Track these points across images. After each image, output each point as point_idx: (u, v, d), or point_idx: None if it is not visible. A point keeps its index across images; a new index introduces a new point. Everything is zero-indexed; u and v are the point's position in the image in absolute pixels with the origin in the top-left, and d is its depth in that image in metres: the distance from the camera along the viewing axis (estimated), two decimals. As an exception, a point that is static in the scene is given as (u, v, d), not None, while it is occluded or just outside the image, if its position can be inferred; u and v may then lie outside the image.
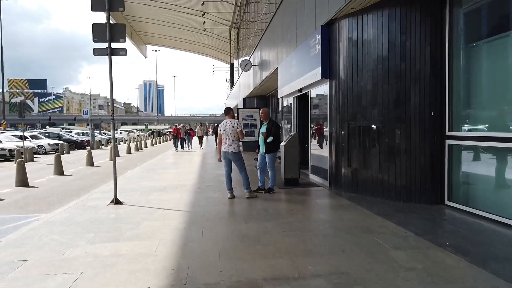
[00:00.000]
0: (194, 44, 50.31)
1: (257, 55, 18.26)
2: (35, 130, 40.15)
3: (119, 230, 4.96)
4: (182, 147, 23.14)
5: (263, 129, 7.55)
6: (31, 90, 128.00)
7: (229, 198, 7.00)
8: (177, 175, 10.65)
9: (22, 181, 9.82)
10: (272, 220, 5.31)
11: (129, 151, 22.69)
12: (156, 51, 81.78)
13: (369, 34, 6.63)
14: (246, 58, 19.60)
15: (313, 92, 9.27)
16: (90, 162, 14.91)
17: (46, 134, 28.60)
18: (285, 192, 7.56)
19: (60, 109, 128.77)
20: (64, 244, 4.39)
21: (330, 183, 7.86)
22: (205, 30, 43.47)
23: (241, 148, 8.06)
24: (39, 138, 25.07)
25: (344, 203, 6.35)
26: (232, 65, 47.02)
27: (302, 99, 10.76)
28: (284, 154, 8.02)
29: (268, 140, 7.34)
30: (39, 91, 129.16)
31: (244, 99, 25.22)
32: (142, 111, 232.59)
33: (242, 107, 23.65)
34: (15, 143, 20.68)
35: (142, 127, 79.28)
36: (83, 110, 30.66)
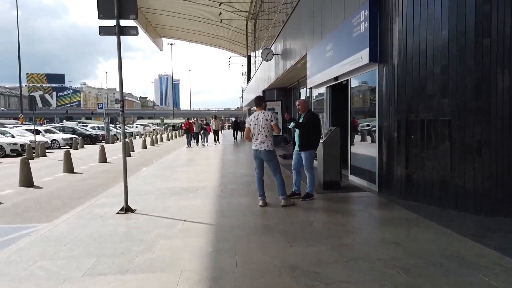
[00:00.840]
0: (210, 37, 49.24)
1: (280, 44, 16.97)
2: (51, 124, 39.81)
3: (128, 253, 3.84)
4: (197, 142, 21.26)
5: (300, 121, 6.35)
6: (49, 85, 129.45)
7: (260, 206, 5.83)
8: (196, 174, 9.54)
9: (26, 180, 8.88)
10: (324, 241, 4.10)
11: (144, 146, 21.79)
12: (171, 44, 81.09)
13: (437, 4, 5.30)
14: (267, 47, 18.33)
15: (354, 81, 7.97)
16: (103, 159, 13.97)
17: (61, 128, 28.02)
18: (327, 199, 6.34)
19: (78, 103, 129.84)
20: (53, 277, 3.30)
21: (379, 187, 6.59)
22: (221, 22, 42.22)
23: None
24: (53, 132, 24.43)
25: (408, 216, 5.08)
26: (248, 57, 45.77)
27: (337, 89, 9.47)
28: (323, 152, 6.78)
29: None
30: (57, 85, 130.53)
31: (264, 92, 23.95)
32: (158, 105, 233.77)
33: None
34: (28, 138, 20.00)
35: (158, 121, 78.98)
36: (98, 104, 30.00)
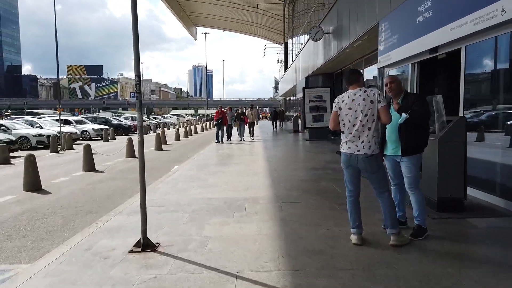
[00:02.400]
0: (245, 24, 47.19)
1: (331, 20, 14.47)
2: (85, 115, 39.36)
3: None
4: (229, 137, 16.99)
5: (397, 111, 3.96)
6: (88, 76, 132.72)
7: (355, 244, 3.62)
8: (239, 177, 7.47)
9: (32, 183, 7.16)
10: None
11: (178, 138, 20.07)
12: (205, 33, 79.71)
13: None
14: (316, 25, 15.86)
15: (474, 49, 5.51)
16: (131, 153, 12.23)
17: (93, 119, 26.99)
18: (453, 232, 4.01)
19: (115, 94, 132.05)
20: None
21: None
22: (257, 7, 40.07)
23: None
24: (84, 123, 23.29)
25: None
26: (286, 44, 43.31)
27: (429, 64, 7.03)
28: (439, 155, 4.44)
29: (400, 121, 3.76)
30: (96, 76, 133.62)
31: (307, 78, 21.54)
32: (191, 96, 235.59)
33: (305, 86, 20.06)
34: (67, 129, 18.83)
35: (192, 111, 78.21)
36: (131, 93, 28.74)
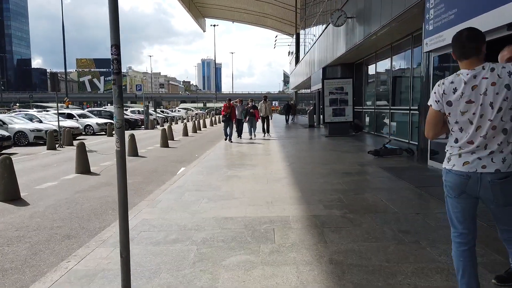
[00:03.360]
0: (255, 15, 45.66)
1: (358, 2, 12.92)
2: (93, 109, 38.32)
3: None
4: (239, 134, 14.65)
5: None
6: (97, 69, 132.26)
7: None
8: (258, 183, 6.10)
9: (6, 192, 5.86)
10: None
11: (185, 133, 18.76)
12: (214, 25, 78.16)
13: None
14: (338, 9, 14.29)
15: None
16: (133, 151, 10.94)
17: (97, 112, 25.82)
18: None
19: (124, 87, 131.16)
20: None
21: None
22: None
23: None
24: (88, 116, 22.11)
25: None
26: (297, 36, 41.68)
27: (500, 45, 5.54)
28: None
29: None
30: (105, 70, 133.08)
31: (324, 69, 20.00)
32: (200, 89, 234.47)
33: (322, 77, 18.53)
34: (68, 123, 17.65)
35: (201, 105, 76.96)
36: (137, 86, 27.50)
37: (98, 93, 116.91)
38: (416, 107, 10.95)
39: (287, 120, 27.88)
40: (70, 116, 21.02)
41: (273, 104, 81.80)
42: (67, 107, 37.71)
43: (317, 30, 24.13)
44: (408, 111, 11.39)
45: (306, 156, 9.63)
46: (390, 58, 13.17)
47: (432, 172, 6.86)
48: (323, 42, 19.60)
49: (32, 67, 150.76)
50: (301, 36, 39.52)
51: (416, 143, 10.67)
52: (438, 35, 6.71)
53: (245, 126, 15.46)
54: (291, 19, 42.09)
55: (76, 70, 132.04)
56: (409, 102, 11.39)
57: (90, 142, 15.70)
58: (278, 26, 50.71)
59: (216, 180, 6.58)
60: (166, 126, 17.86)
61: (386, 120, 14.00)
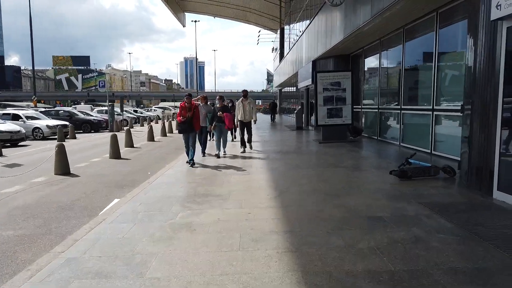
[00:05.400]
0: (237, 9, 42.85)
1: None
2: (51, 108, 34.59)
3: None
4: (203, 150, 9.54)
5: None
6: (75, 67, 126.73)
7: None
8: (223, 251, 3.27)
9: None
10: None
11: (151, 138, 15.67)
12: (195, 21, 74.71)
13: None
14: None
15: None
16: (62, 168, 7.92)
17: (55, 113, 22.48)
18: None
19: (103, 85, 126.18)
20: None
21: None
22: None
23: None
24: (38, 118, 18.78)
25: None
26: (282, 31, 39.17)
27: None
28: None
29: None
30: (83, 67, 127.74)
31: (314, 62, 17.28)
32: (183, 88, 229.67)
33: (312, 71, 15.79)
34: (6, 127, 14.39)
35: (181, 103, 73.38)
36: (99, 82, 24.24)
37: (77, 91, 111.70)
38: (444, 107, 8.30)
39: (272, 119, 27.15)
40: (16, 117, 17.71)
41: (257, 103, 79.18)
42: (35, 106, 34.04)
43: (303, 25, 21.53)
44: (431, 112, 8.74)
45: (302, 177, 6.74)
46: (401, 46, 10.51)
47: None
48: (313, 31, 16.88)
49: (6, 64, 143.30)
50: (286, 31, 37.04)
51: (445, 156, 8.01)
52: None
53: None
54: (275, 13, 39.63)
55: (52, 68, 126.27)
56: (431, 101, 8.75)
57: (26, 150, 12.56)
58: (261, 21, 48.26)
59: (151, 238, 3.70)
60: (127, 129, 14.78)
61: (394, 123, 11.36)
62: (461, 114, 6.02)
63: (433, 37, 8.62)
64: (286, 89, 39.52)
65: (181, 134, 8.38)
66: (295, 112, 20.90)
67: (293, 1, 29.28)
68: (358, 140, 12.69)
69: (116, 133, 13.87)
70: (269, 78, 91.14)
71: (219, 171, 7.46)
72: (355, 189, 5.60)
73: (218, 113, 9.21)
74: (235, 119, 10.49)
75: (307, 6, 20.83)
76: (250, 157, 9.17)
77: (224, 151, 9.67)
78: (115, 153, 10.29)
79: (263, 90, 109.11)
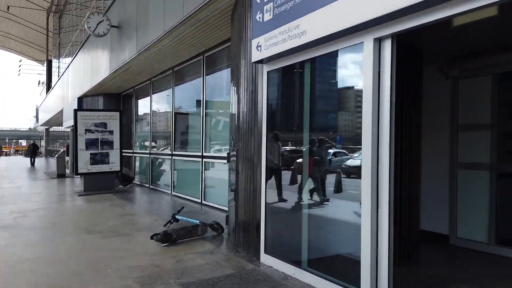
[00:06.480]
0: (-4, 33, 35.48)
1: (124, 6, 9.25)
2: None
3: None
4: None
5: None
6: None
7: None
8: None
9: None
10: None
11: None
12: None
13: None
14: (98, 12, 10.04)
15: None
16: None
17: None
18: None
19: None
20: None
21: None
22: (8, 9, 30.77)
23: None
24: None
25: None
26: (49, 63, 34.27)
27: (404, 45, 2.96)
28: None
29: None
30: None
31: (81, 99, 14.89)
32: None
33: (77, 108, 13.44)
34: None
35: None
36: None
37: None
38: (213, 155, 7.90)
39: (32, 163, 24.58)
40: None
41: (19, 144, 66.95)
42: None
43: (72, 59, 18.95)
44: (201, 159, 8.23)
45: (29, 259, 4.60)
46: (172, 88, 9.91)
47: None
48: (80, 65, 14.68)
49: None
50: (54, 64, 32.53)
51: (216, 206, 7.50)
52: (287, 26, 3.69)
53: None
54: (42, 43, 34.81)
55: None
56: (201, 147, 8.27)
57: None
58: (24, 50, 41.74)
59: None
60: None
61: (166, 169, 10.48)
62: (227, 163, 5.52)
63: (201, 81, 8.31)
64: (55, 128, 34.16)
65: None
66: (56, 156, 17.39)
67: (61, 34, 26.17)
68: (127, 189, 11.10)
69: None
70: (38, 115, 78.04)
71: None
72: (100, 273, 3.99)
73: None
74: None
75: (75, 41, 18.38)
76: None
77: None
78: None
79: (30, 128, 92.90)
